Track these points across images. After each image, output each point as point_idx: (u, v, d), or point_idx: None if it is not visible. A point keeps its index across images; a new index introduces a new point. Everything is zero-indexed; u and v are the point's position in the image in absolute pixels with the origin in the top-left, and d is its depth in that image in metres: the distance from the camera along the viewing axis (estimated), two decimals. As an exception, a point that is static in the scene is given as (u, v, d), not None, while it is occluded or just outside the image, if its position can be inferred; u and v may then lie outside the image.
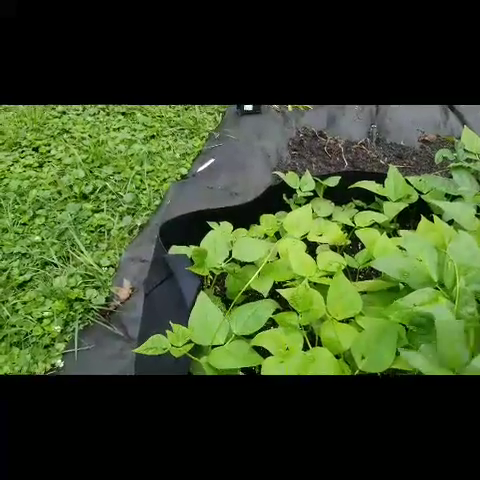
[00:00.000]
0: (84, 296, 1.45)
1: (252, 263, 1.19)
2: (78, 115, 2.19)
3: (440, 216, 1.15)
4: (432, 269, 0.87)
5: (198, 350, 0.95)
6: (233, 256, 1.09)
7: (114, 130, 2.11)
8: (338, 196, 1.43)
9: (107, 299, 1.47)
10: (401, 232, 0.94)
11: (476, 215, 1.03)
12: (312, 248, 1.28)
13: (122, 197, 1.81)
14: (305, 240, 1.21)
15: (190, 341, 0.90)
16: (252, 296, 1.23)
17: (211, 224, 1.20)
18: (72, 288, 1.47)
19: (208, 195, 1.81)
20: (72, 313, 1.42)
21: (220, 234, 1.13)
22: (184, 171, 1.94)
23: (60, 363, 1.31)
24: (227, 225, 1.21)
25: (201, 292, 0.99)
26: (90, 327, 1.42)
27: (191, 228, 1.18)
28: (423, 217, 1.10)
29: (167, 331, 0.89)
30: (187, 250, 1.10)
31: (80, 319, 1.42)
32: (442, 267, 0.86)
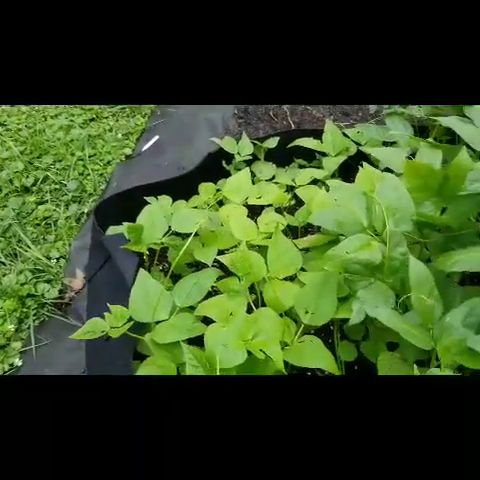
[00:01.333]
0: (36, 291, 1.41)
1: (196, 234, 1.17)
2: (12, 106, 2.09)
3: (377, 166, 1.15)
4: (362, 215, 0.86)
5: (144, 328, 0.93)
6: (172, 229, 1.06)
7: (51, 118, 2.02)
8: (281, 157, 1.40)
9: (61, 291, 1.43)
10: (329, 182, 0.92)
11: (409, 158, 1.03)
12: (259, 212, 1.27)
13: (66, 185, 1.75)
14: (250, 206, 1.19)
15: (131, 319, 0.88)
16: (201, 268, 1.21)
17: (148, 199, 1.16)
18: (22, 285, 1.42)
19: (155, 172, 1.76)
20: (25, 310, 1.39)
21: (157, 208, 1.10)
22: (128, 151, 1.89)
23: (18, 362, 1.28)
24: (166, 198, 1.18)
25: (140, 269, 0.97)
26: (46, 322, 1.39)
27: (130, 206, 1.14)
28: (361, 167, 1.09)
29: (105, 313, 0.87)
30: (124, 229, 1.06)
31: (34, 315, 1.38)
32: (371, 212, 0.86)
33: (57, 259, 1.53)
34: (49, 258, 1.51)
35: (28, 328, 1.35)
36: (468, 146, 0.96)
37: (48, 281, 1.45)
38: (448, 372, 0.69)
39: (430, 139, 1.04)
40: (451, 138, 1.25)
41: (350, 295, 0.88)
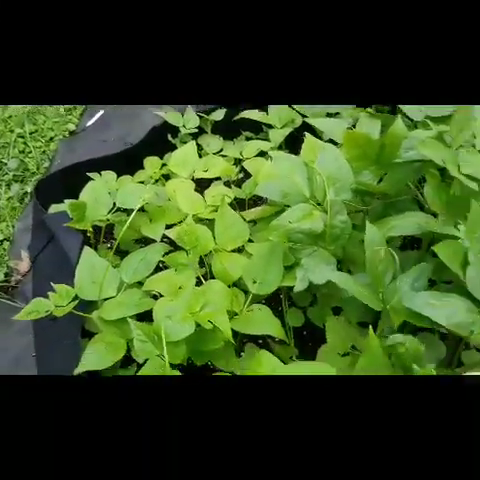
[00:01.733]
0: (-20, 276, 1.35)
1: (143, 210, 1.15)
2: None
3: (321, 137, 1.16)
4: (304, 185, 0.88)
5: (92, 306, 0.92)
6: (117, 205, 1.04)
7: (-14, 92, 1.89)
8: (228, 130, 1.39)
9: (6, 275, 1.38)
10: (271, 153, 0.93)
11: (350, 128, 1.05)
12: (207, 186, 1.26)
13: (6, 164, 1.67)
14: (198, 180, 1.18)
15: (77, 298, 0.87)
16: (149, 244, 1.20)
17: (92, 175, 1.13)
18: (-36, 270, 1.36)
19: (101, 148, 1.70)
20: (-32, 296, 1.33)
21: (101, 184, 1.07)
22: (72, 127, 1.81)
23: (-36, 349, 1.23)
24: (110, 174, 1.15)
25: (85, 247, 0.95)
26: (-9, 307, 1.34)
27: (73, 183, 1.10)
28: (306, 139, 1.10)
29: (49, 293, 0.85)
30: (67, 206, 1.03)
31: (-21, 300, 1.33)
32: (313, 182, 0.87)
33: (1, 241, 1.47)
34: (-9, 241, 1.45)
35: (-28, 314, 1.29)
36: (406, 116, 1.00)
37: (-8, 265, 1.39)
38: (399, 333, 0.72)
39: (370, 109, 1.06)
40: (392, 108, 1.28)
41: (296, 263, 0.90)
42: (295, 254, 0.88)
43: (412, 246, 1.18)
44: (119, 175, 1.19)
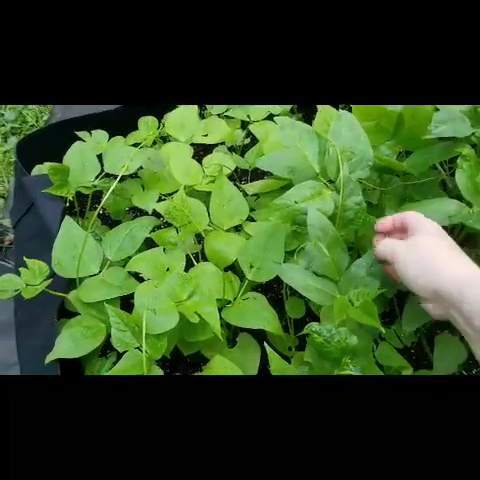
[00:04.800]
0: (-28, 234, 1.29)
1: (137, 176, 1.04)
2: None
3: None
4: (313, 158, 0.75)
5: (74, 285, 0.84)
6: (105, 170, 0.94)
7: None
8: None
9: (1, 234, 1.32)
10: (277, 119, 0.80)
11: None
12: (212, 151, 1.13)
13: (3, 115, 1.57)
14: (202, 144, 1.06)
15: (54, 275, 0.79)
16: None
17: (80, 134, 1.01)
18: (-47, 228, 1.30)
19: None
20: (-43, 255, 1.27)
21: (90, 145, 0.96)
22: (74, 77, 1.67)
23: None
24: (101, 134, 1.03)
25: (66, 217, 0.85)
26: (-17, 267, 1.28)
27: (62, 141, 0.99)
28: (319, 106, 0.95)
29: (21, 269, 0.76)
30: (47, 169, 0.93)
31: (-31, 260, 1.27)
32: (324, 155, 0.75)
33: (-6, 199, 1.40)
34: (-15, 197, 1.38)
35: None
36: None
37: (-16, 223, 1.33)
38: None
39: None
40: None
41: (301, 248, 0.79)
42: (299, 238, 0.77)
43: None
44: (117, 134, 1.06)
